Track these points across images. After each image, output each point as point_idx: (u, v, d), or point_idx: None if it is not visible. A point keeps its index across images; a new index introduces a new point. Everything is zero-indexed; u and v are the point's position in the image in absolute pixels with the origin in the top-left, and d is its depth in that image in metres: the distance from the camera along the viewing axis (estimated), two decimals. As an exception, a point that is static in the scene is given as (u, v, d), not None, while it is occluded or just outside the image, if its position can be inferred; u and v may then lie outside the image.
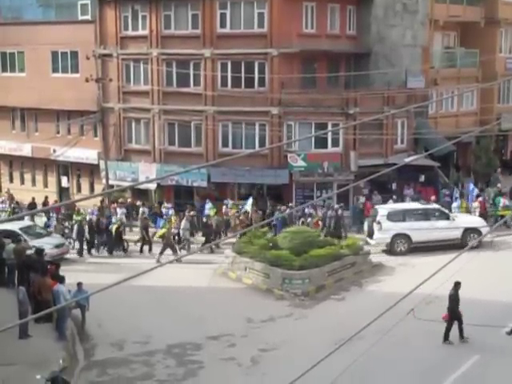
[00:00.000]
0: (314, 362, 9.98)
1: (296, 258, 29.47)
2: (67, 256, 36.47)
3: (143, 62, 43.75)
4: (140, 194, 43.64)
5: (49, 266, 26.44)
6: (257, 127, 41.46)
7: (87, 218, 39.29)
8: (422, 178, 42.32)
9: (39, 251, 28.32)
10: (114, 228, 38.21)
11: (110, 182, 43.57)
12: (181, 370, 22.07)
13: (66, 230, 39.57)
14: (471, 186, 41.90)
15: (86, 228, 38.00)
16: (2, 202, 47.89)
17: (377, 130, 40.36)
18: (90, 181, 48.63)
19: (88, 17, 47.60)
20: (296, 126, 40.86)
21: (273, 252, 30.26)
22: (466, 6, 48.21)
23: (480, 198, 39.34)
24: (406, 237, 34.52)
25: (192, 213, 38.99)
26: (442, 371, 20.46)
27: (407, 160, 38.34)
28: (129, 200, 43.46)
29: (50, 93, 46.50)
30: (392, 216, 35.09)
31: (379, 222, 34.93)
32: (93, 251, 37.90)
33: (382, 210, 35.70)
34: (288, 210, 37.58)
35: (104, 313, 25.95)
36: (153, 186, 42.96)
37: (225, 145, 42.10)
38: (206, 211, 39.86)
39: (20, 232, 35.42)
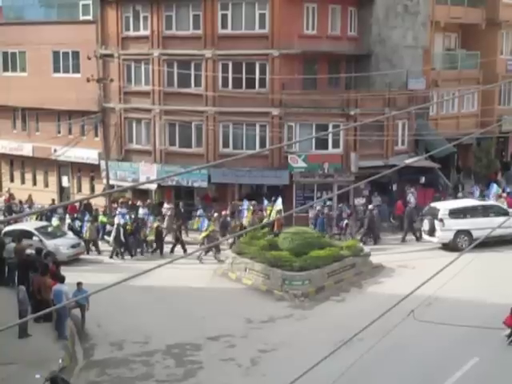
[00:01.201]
0: (313, 363, 9.99)
1: (296, 258, 29.48)
2: (82, 256, 36.45)
3: (144, 62, 43.76)
4: (140, 194, 43.64)
5: (50, 266, 26.44)
6: (257, 128, 41.47)
7: (118, 221, 38.50)
8: (423, 180, 42.33)
9: (39, 250, 28.38)
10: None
11: (111, 182, 43.56)
12: (180, 370, 22.08)
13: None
14: (494, 185, 42.23)
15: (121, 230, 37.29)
16: (4, 201, 47.94)
17: (377, 132, 40.38)
18: (90, 181, 48.65)
19: (89, 17, 47.62)
20: (297, 126, 40.87)
21: (273, 253, 30.27)
22: (467, 8, 48.24)
23: (504, 194, 39.99)
24: (468, 233, 34.71)
25: (224, 213, 38.65)
26: (442, 373, 20.47)
27: (408, 161, 38.32)
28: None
29: (52, 93, 46.52)
30: (454, 213, 35.43)
31: (441, 220, 35.15)
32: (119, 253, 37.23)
33: (443, 207, 35.96)
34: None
35: (103, 313, 25.98)
36: (153, 187, 42.95)
37: (225, 145, 42.11)
38: (245, 211, 39.47)
39: (35, 232, 35.68)
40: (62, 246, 35.41)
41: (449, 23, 47.21)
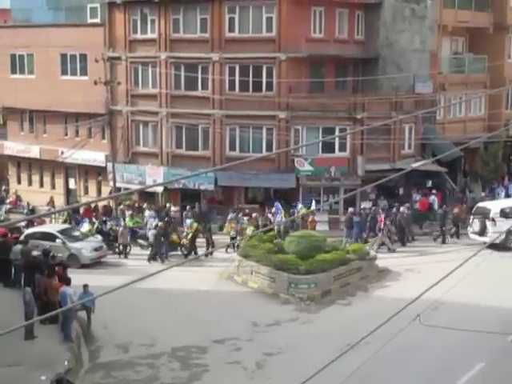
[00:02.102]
0: (319, 367, 9.98)
1: (302, 262, 29.44)
2: (104, 259, 36.28)
3: (151, 65, 43.83)
4: (147, 196, 43.69)
5: (56, 268, 26.47)
6: (264, 131, 41.48)
7: (152, 223, 38.22)
8: (430, 184, 42.31)
9: (46, 252, 28.41)
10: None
11: (118, 185, 43.60)
12: (185, 373, 22.08)
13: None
14: None
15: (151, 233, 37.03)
16: (10, 203, 48.01)
17: (384, 135, 40.35)
18: (97, 183, 48.71)
19: (97, 20, 47.71)
20: (303, 130, 40.87)
21: (279, 256, 30.25)
22: (475, 12, 48.18)
23: None
24: None
25: (254, 215, 38.49)
26: (448, 377, 20.43)
27: (414, 165, 38.31)
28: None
29: (59, 95, 46.60)
30: (505, 213, 35.61)
31: (493, 219, 35.26)
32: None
33: (493, 207, 36.21)
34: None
35: (109, 315, 25.99)
36: (160, 189, 42.98)
37: (232, 148, 42.13)
38: (278, 214, 39.16)
39: (58, 234, 35.69)
40: (84, 248, 35.34)
41: (456, 27, 47.15)
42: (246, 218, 38.41)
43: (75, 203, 48.56)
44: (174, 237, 36.72)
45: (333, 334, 23.71)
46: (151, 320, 26.43)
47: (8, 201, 48.85)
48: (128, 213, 40.78)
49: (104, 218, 40.36)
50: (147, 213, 40.83)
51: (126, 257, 37.17)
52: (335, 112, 40.51)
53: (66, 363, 20.85)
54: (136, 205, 42.96)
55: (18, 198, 48.93)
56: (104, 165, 46.14)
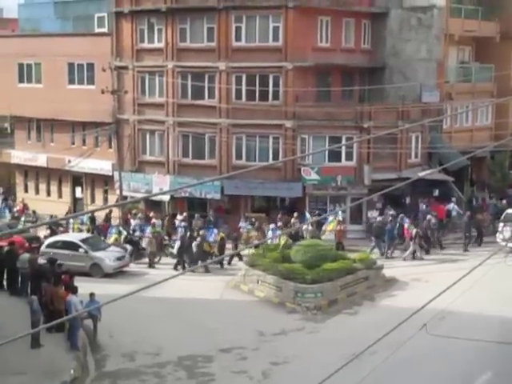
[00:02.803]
0: (325, 376, 9.97)
1: (309, 271, 29.40)
2: (127, 269, 35.95)
3: (158, 74, 43.93)
4: (153, 205, 43.71)
5: (63, 276, 26.50)
6: (270, 140, 41.51)
7: (181, 233, 38.25)
8: (436, 193, 42.23)
9: (52, 261, 28.44)
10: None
11: (124, 193, 43.66)
12: (192, 382, 22.05)
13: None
14: None
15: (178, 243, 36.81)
16: (18, 212, 48.05)
17: (391, 144, 40.33)
18: (104, 192, 48.80)
19: (104, 29, 47.92)
20: (310, 139, 40.88)
21: (285, 265, 30.22)
22: (482, 21, 48.14)
23: None
24: None
25: (279, 224, 38.18)
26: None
27: (421, 174, 38.23)
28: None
29: (66, 104, 46.73)
30: None
31: None
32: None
33: None
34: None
35: (116, 324, 25.99)
36: (166, 198, 43.01)
37: (238, 157, 42.16)
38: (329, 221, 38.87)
39: (80, 243, 35.42)
40: (107, 258, 35.03)
41: (463, 36, 47.13)
42: (273, 227, 37.89)
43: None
44: (206, 245, 36.53)
45: (339, 344, 23.65)
46: (157, 329, 26.42)
47: (15, 209, 48.93)
48: (182, 223, 40.31)
49: (132, 227, 40.18)
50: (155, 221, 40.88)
51: (153, 266, 36.77)
52: (342, 121, 40.51)
53: (72, 372, 20.86)
54: (142, 213, 42.94)
55: (25, 207, 49.00)
56: (111, 173, 46.23)
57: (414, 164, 42.50)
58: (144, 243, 38.07)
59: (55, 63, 47.95)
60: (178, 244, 36.71)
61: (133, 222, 41.20)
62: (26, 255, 29.49)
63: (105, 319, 24.95)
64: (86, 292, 24.79)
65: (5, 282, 30.10)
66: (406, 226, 37.43)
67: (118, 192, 44.39)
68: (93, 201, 49.39)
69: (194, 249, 35.63)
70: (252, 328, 26.46)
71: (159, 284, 9.52)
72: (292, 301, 28.88)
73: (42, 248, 35.64)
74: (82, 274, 33.22)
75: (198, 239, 35.96)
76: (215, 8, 41.52)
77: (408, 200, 41.73)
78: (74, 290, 24.54)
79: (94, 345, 24.99)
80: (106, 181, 47.77)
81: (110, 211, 43.13)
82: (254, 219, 39.85)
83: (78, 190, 50.45)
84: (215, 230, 38.09)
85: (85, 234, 38.71)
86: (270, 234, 37.16)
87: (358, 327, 25.84)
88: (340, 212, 38.65)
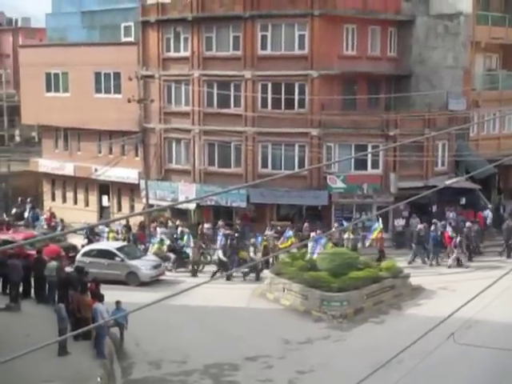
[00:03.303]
0: (351, 385, 9.92)
1: (335, 279, 29.32)
2: (163, 277, 35.81)
3: (184, 83, 44.09)
4: (179, 213, 43.81)
5: (89, 284, 26.62)
6: (296, 148, 41.49)
7: (222, 241, 37.91)
8: (463, 201, 41.97)
9: (80, 269, 28.57)
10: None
11: (150, 202, 43.81)
12: (218, 390, 22.04)
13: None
14: None
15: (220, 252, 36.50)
16: (45, 221, 48.30)
17: (417, 152, 40.19)
18: (130, 200, 48.99)
19: (131, 39, 48.22)
20: (336, 147, 40.81)
21: (311, 273, 30.15)
22: (508, 28, 47.86)
23: None
24: None
25: (318, 231, 37.72)
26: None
27: (448, 182, 38.03)
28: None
29: (93, 113, 47.04)
30: None
31: None
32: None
33: None
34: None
35: (142, 331, 26.04)
36: (192, 206, 43.11)
37: (264, 166, 42.17)
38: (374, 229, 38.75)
39: (117, 252, 35.47)
40: (143, 266, 34.99)
41: (490, 44, 46.86)
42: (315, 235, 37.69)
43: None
44: (243, 253, 36.50)
45: (365, 352, 23.53)
46: (183, 337, 26.45)
47: (43, 218, 49.20)
48: (224, 231, 40.03)
49: (175, 236, 40.22)
50: (181, 230, 40.97)
51: (195, 275, 36.61)
52: (368, 129, 40.42)
53: (98, 379, 20.91)
54: (169, 222, 43.05)
55: (53, 215, 49.27)
56: (137, 182, 46.43)
57: (440, 172, 42.29)
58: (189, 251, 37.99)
59: (82, 72, 48.30)
60: (220, 253, 36.43)
61: (159, 230, 41.29)
62: (54, 263, 29.64)
63: (131, 327, 25.03)
64: (121, 300, 24.84)
65: (32, 290, 30.29)
66: (449, 233, 37.25)
67: (144, 200, 44.54)
68: (119, 209, 49.59)
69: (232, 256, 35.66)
70: (278, 336, 26.41)
71: (186, 292, 9.53)
72: (318, 309, 28.80)
73: (78, 257, 35.80)
74: (118, 282, 33.42)
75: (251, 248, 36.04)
76: (241, 16, 41.65)
77: (435, 208, 41.49)
78: (101, 298, 24.64)
79: (121, 352, 25.06)
80: (132, 189, 47.96)
81: (144, 220, 43.24)
82: (279, 227, 39.79)
83: (105, 198, 50.69)
84: (259, 239, 38.11)
85: (120, 243, 38.70)
86: (310, 242, 36.83)
87: (384, 336, 25.70)
88: (380, 220, 38.44)
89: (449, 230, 37.53)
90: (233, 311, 29.75)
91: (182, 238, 39.43)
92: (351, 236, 37.44)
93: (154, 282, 34.84)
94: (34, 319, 26.62)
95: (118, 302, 24.75)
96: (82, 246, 38.41)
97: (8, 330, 24.34)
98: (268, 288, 31.82)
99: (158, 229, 41.60)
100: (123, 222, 42.84)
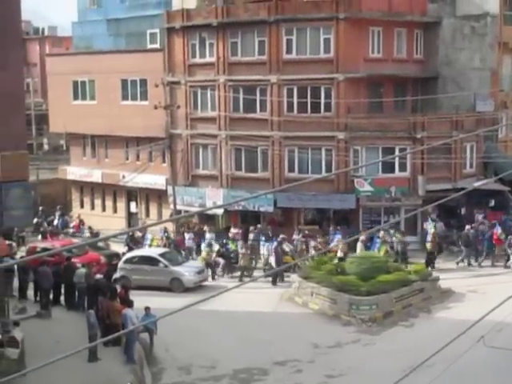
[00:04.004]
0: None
1: (363, 283, 29.24)
2: (206, 283, 35.66)
3: (210, 88, 44.21)
4: (207, 219, 43.90)
5: (118, 291, 26.77)
6: (323, 152, 41.42)
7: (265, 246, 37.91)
8: (492, 203, 41.64)
9: (109, 275, 28.75)
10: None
11: (178, 208, 43.95)
12: (247, 395, 22.05)
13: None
14: None
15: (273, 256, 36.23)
16: (74, 228, 48.62)
17: (445, 154, 39.95)
18: (158, 206, 49.17)
19: (157, 45, 48.48)
20: (363, 150, 40.69)
21: (340, 277, 30.10)
22: (536, 29, 47.49)
23: None
24: None
25: (382, 234, 37.38)
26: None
27: (476, 184, 37.80)
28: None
29: (120, 120, 47.32)
30: None
31: None
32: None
33: None
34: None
35: (171, 337, 26.12)
36: (220, 211, 43.16)
37: (291, 170, 42.14)
38: (429, 230, 38.59)
39: (160, 258, 35.38)
40: (187, 272, 34.85)
41: (517, 44, 46.53)
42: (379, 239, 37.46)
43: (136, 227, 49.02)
44: (288, 258, 36.35)
45: (395, 356, 23.43)
46: (212, 342, 26.49)
47: (71, 225, 49.53)
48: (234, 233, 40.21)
49: (224, 241, 40.17)
50: (208, 235, 41.00)
51: (242, 279, 36.22)
52: (395, 132, 40.26)
53: (128, 385, 21.01)
54: (196, 227, 43.14)
55: (81, 223, 49.58)
56: (164, 188, 46.59)
57: (468, 174, 42.02)
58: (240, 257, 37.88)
59: (109, 80, 48.58)
60: (272, 259, 36.12)
61: (187, 236, 41.39)
62: (82, 270, 29.86)
63: (161, 332, 25.11)
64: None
65: (62, 297, 30.52)
66: (497, 233, 37.01)
67: (171, 206, 44.68)
68: (147, 215, 49.79)
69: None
70: (307, 340, 26.38)
71: (215, 297, 9.54)
72: (347, 313, 28.73)
73: (120, 264, 35.88)
74: (162, 289, 33.37)
75: (313, 252, 35.91)
76: (266, 21, 41.69)
77: (463, 211, 41.24)
78: (130, 304, 24.75)
79: (151, 358, 25.16)
80: (159, 195, 48.13)
81: (182, 225, 43.32)
82: (307, 231, 39.74)
83: (133, 204, 50.94)
84: (312, 243, 37.85)
85: (162, 249, 38.53)
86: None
87: (414, 339, 25.58)
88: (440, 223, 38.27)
89: (498, 230, 37.22)
90: (261, 315, 29.78)
91: (232, 243, 39.31)
92: (401, 238, 37.13)
93: (197, 287, 34.58)
94: (64, 326, 26.82)
95: (147, 308, 24.85)
96: (123, 254, 38.52)
97: (39, 336, 24.51)
98: (296, 292, 31.80)
99: (186, 234, 41.61)
100: (160, 227, 42.76)
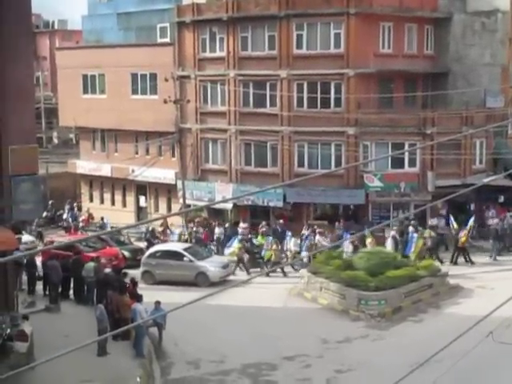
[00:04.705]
0: (390, 384, 9.89)
1: (372, 278, 29.20)
2: (231, 278, 35.42)
3: (220, 83, 44.22)
4: (216, 213, 43.96)
5: (127, 285, 26.81)
6: (333, 147, 41.39)
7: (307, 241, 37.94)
8: (502, 199, 41.57)
9: (118, 270, 28.79)
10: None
11: (187, 202, 44.01)
12: (256, 389, 22.07)
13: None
14: None
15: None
16: (83, 222, 48.78)
17: (455, 150, 39.84)
18: (167, 200, 49.23)
19: (167, 39, 48.47)
20: (372, 146, 40.65)
21: (348, 272, 30.06)
22: (547, 24, 47.30)
23: None
24: None
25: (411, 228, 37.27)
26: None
27: (486, 180, 37.69)
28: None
29: (130, 114, 47.37)
30: None
31: None
32: None
33: None
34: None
35: (180, 331, 26.16)
36: (229, 206, 43.20)
37: (300, 165, 42.13)
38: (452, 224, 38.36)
39: (184, 252, 35.33)
40: (213, 266, 34.73)
41: (528, 40, 46.36)
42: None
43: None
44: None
45: (404, 351, 23.42)
46: (221, 337, 26.50)
47: (81, 219, 49.69)
48: (261, 230, 40.11)
49: (249, 236, 40.05)
50: (217, 230, 41.11)
51: (268, 275, 35.94)
52: (404, 127, 40.20)
53: (138, 379, 21.05)
54: (206, 222, 43.21)
55: (91, 217, 49.73)
56: (174, 182, 46.65)
57: (478, 170, 41.93)
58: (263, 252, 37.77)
59: (118, 74, 48.63)
60: (304, 253, 36.26)
61: (217, 230, 41.23)
62: (91, 264, 29.90)
63: (170, 327, 25.15)
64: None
65: (71, 291, 30.60)
66: None
67: (181, 200, 44.75)
68: (156, 209, 49.88)
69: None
70: (316, 335, 26.38)
71: (224, 292, 9.56)
72: (356, 308, 28.71)
73: (143, 259, 35.92)
74: (187, 283, 33.14)
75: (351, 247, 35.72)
76: (276, 16, 41.67)
77: (472, 206, 41.17)
78: (139, 298, 24.80)
79: (160, 352, 25.20)
80: (169, 189, 48.20)
81: (191, 220, 43.34)
82: (316, 226, 39.73)
83: (142, 198, 51.01)
84: (348, 235, 37.57)
85: (186, 244, 38.52)
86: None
87: (423, 335, 25.54)
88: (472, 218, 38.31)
89: None
90: (270, 311, 29.77)
91: (261, 238, 39.11)
92: (432, 234, 36.96)
93: (222, 282, 34.40)
94: (73, 320, 26.89)
95: (157, 303, 24.87)
96: (146, 248, 38.61)
97: (48, 330, 24.58)
98: (305, 287, 31.80)
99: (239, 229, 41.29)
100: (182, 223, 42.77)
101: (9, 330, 21.92)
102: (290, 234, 38.75)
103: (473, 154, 41.53)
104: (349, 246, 35.92)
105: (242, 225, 41.85)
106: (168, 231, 43.12)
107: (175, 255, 35.26)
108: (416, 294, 29.90)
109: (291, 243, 37.83)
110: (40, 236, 44.33)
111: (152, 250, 37.00)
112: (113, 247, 37.93)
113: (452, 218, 38.54)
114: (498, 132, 42.86)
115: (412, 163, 40.57)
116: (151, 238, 41.53)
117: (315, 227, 39.42)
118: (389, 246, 35.85)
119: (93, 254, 32.85)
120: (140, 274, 34.77)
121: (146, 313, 24.09)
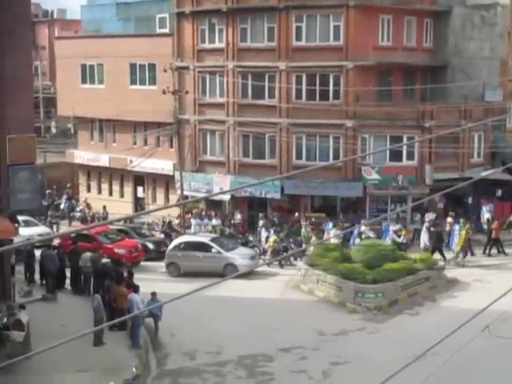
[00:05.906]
0: (386, 377, 9.90)
1: (369, 271, 29.23)
2: (258, 269, 34.94)
3: (219, 74, 44.17)
4: (214, 205, 43.97)
5: (124, 275, 26.82)
6: (331, 140, 41.38)
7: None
8: (499, 193, 41.59)
9: (115, 260, 28.80)
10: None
11: (185, 193, 44.01)
12: (252, 381, 22.09)
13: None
14: None
15: None
16: (80, 212, 48.79)
17: (453, 144, 39.84)
18: (165, 191, 49.22)
19: (166, 30, 48.36)
20: (371, 138, 40.65)
21: (345, 265, 30.08)
22: (547, 18, 47.30)
23: None
24: None
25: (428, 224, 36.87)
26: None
27: (484, 174, 37.73)
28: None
29: (128, 104, 47.31)
30: None
31: None
32: None
33: None
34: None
35: (177, 322, 26.18)
36: (227, 198, 43.21)
37: (298, 157, 42.13)
38: (485, 217, 38.53)
39: (212, 244, 35.19)
40: (241, 258, 34.54)
41: (527, 34, 46.39)
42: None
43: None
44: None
45: (400, 344, 23.45)
46: (217, 328, 26.53)
47: (78, 209, 49.69)
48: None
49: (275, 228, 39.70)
50: (214, 221, 41.15)
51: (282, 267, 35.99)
52: (403, 120, 40.18)
53: (134, 369, 21.07)
54: (203, 213, 43.22)
55: (88, 207, 49.72)
56: (172, 173, 46.63)
57: (476, 164, 41.96)
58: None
59: (117, 64, 48.57)
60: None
61: (193, 222, 41.52)
62: (88, 254, 29.92)
63: (166, 318, 25.18)
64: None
65: (68, 281, 30.61)
66: None
67: (178, 192, 44.73)
68: (154, 200, 49.89)
69: None
70: (312, 328, 26.40)
71: (221, 283, 9.56)
72: (352, 301, 28.73)
73: (168, 250, 35.82)
74: (215, 275, 32.30)
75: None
76: (276, 8, 41.59)
77: (470, 200, 41.19)
78: (136, 289, 24.81)
79: (156, 343, 25.24)
80: (167, 181, 48.20)
81: (188, 211, 43.38)
82: (313, 219, 39.74)
83: (140, 189, 51.01)
84: (390, 227, 37.20)
85: (212, 235, 38.32)
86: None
87: (419, 328, 25.59)
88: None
89: None
90: (267, 302, 29.80)
91: (304, 231, 38.90)
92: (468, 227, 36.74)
93: (249, 273, 33.73)
94: (70, 309, 26.93)
95: (153, 294, 24.88)
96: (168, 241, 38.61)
97: (44, 320, 24.61)
98: (302, 279, 31.83)
99: (192, 220, 41.61)
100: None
101: (5, 319, 21.95)
102: (330, 224, 38.51)
103: (471, 147, 41.55)
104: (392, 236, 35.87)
105: (238, 216, 41.94)
106: (190, 221, 42.67)
107: (202, 247, 35.08)
108: (413, 287, 29.93)
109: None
110: (55, 227, 44.60)
111: (176, 241, 36.72)
112: (132, 239, 37.89)
113: (485, 209, 38.59)
114: (497, 126, 42.87)
115: (410, 156, 40.57)
116: (168, 230, 41.58)
117: (313, 219, 39.48)
118: (424, 237, 35.75)
119: (111, 246, 32.79)
120: (165, 266, 34.96)
121: (143, 303, 24.12)
